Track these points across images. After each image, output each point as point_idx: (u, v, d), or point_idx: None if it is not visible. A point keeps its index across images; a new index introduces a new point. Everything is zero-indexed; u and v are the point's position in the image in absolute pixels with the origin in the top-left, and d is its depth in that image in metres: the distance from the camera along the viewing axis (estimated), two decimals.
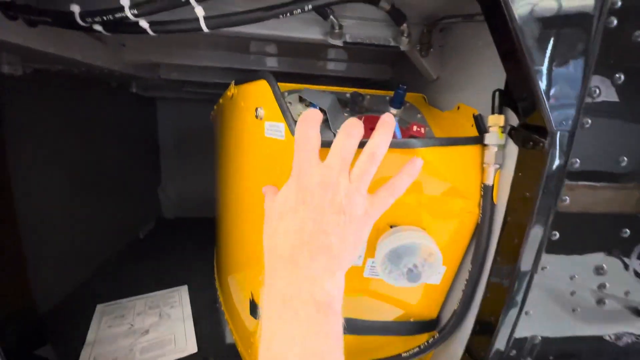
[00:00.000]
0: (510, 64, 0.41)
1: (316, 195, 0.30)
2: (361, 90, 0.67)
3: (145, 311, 0.77)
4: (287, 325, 0.26)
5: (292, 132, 0.44)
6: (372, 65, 0.93)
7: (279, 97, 0.45)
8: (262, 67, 0.88)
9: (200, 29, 0.44)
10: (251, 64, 0.88)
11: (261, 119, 0.49)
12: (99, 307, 0.79)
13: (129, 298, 0.83)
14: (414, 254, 0.45)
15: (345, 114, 0.61)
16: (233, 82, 0.63)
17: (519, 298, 0.44)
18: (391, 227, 0.51)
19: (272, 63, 0.89)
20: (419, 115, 0.65)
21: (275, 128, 0.48)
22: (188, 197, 1.63)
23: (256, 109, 0.52)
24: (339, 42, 0.59)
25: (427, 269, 0.46)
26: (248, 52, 0.87)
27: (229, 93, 0.65)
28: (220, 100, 0.76)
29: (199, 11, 0.43)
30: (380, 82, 0.95)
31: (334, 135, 0.55)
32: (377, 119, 0.67)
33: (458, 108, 0.60)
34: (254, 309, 0.59)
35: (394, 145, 0.43)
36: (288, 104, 0.59)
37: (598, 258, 0.44)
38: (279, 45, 0.80)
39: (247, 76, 0.53)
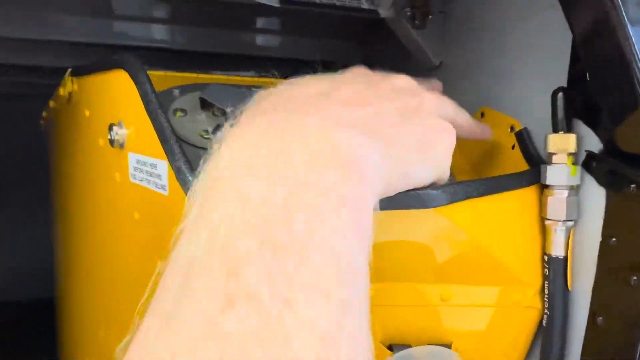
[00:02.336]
0: (591, 36, 0.38)
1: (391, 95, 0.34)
2: None
3: None
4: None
5: (184, 181, 0.31)
6: (330, 42, 0.87)
7: (154, 103, 0.38)
8: (142, 42, 0.78)
9: None
10: (122, 36, 0.77)
11: (121, 146, 0.42)
12: None
13: None
14: None
15: None
16: (69, 71, 0.53)
17: None
18: (392, 348, 0.41)
19: (160, 34, 0.80)
20: None
21: (149, 169, 0.36)
22: (13, 269, 1.45)
23: (110, 127, 0.40)
24: (274, 2, 0.56)
25: None
26: (117, 15, 0.77)
27: (62, 92, 0.56)
28: (51, 103, 0.60)
29: None
30: (345, 67, 0.87)
31: None
32: None
33: (482, 115, 0.54)
34: None
35: (397, 201, 0.35)
36: (178, 114, 0.50)
37: None
38: (173, 5, 0.73)
39: (103, 60, 0.47)
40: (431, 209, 0.36)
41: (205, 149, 0.47)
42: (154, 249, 0.38)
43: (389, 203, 0.35)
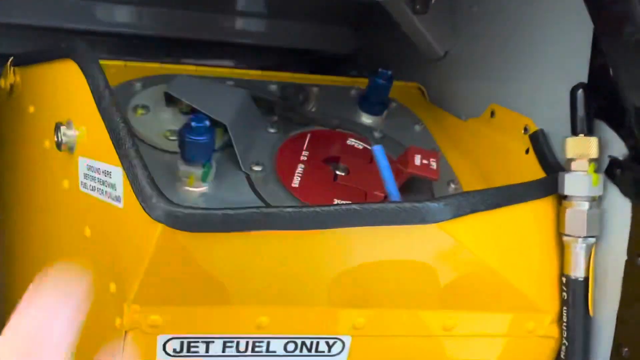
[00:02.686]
0: (614, 24, 0.36)
1: None
2: (298, 77, 0.57)
3: None
4: None
5: (141, 192, 0.29)
6: (319, 28, 0.83)
7: (108, 100, 0.35)
8: (104, 26, 0.74)
9: None
10: (81, 19, 0.73)
11: (70, 150, 0.39)
12: None
13: None
14: None
15: (271, 130, 0.47)
16: (11, 59, 0.50)
17: None
18: None
19: (124, 17, 0.75)
20: (417, 127, 0.57)
21: (102, 177, 0.33)
22: None
23: (57, 127, 0.39)
24: None
25: None
26: None
27: (3, 83, 0.52)
28: None
29: None
30: (335, 57, 0.84)
31: (246, 176, 0.42)
32: (333, 139, 0.52)
33: (492, 114, 0.51)
34: None
35: (393, 215, 0.32)
36: (139, 111, 0.47)
37: None
38: None
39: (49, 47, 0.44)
40: (433, 225, 0.33)
41: (170, 152, 0.44)
42: (108, 273, 0.35)
43: (385, 218, 0.32)
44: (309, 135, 0.49)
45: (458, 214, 0.33)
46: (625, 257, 0.38)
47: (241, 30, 0.80)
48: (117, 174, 0.33)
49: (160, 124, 0.45)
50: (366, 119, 0.53)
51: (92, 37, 0.71)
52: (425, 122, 0.56)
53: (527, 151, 0.45)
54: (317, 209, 0.31)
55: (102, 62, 0.50)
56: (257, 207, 0.31)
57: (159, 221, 0.29)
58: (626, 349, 0.38)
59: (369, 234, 0.32)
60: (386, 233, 0.33)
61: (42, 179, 0.44)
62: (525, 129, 0.46)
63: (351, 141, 0.50)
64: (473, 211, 0.34)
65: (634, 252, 0.37)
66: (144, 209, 0.30)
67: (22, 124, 0.48)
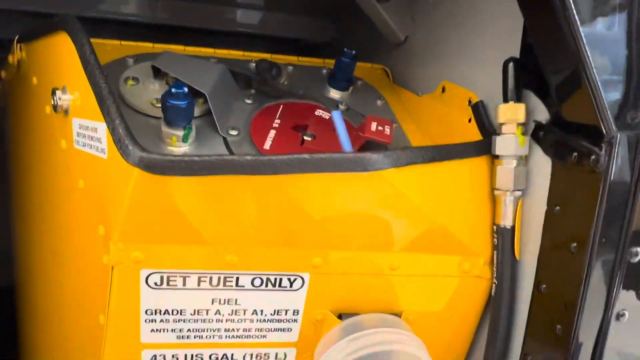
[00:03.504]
0: (537, 8, 0.38)
1: None
2: (276, 57, 0.60)
3: None
4: None
5: (123, 145, 0.31)
6: (303, 19, 0.87)
7: (93, 65, 0.38)
8: (114, 15, 0.76)
9: None
10: (84, 7, 0.75)
11: (66, 113, 0.42)
12: None
13: None
14: None
15: (248, 101, 0.50)
16: (17, 37, 0.52)
17: None
18: (341, 317, 0.41)
19: (129, 8, 0.77)
20: (379, 102, 0.60)
21: (91, 133, 0.36)
22: None
23: (53, 92, 0.40)
24: None
25: None
26: None
27: (11, 60, 0.55)
28: (3, 74, 0.59)
29: None
30: (316, 45, 0.88)
31: (224, 139, 0.46)
32: (304, 110, 0.54)
33: (443, 90, 0.55)
34: None
35: (339, 164, 0.35)
36: (129, 82, 0.50)
37: None
38: None
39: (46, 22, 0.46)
40: (375, 172, 0.36)
41: (156, 117, 0.48)
42: (98, 217, 0.39)
43: (332, 166, 0.36)
44: (281, 106, 0.52)
45: (397, 164, 0.37)
46: (545, 207, 0.42)
47: (236, 19, 0.82)
48: (102, 129, 0.36)
49: (148, 94, 0.48)
50: (334, 94, 0.57)
51: (95, 25, 0.72)
52: (387, 99, 0.59)
53: (469, 120, 0.49)
54: (272, 157, 0.34)
55: (99, 40, 0.53)
56: (220, 155, 0.35)
57: (135, 166, 0.32)
58: (544, 286, 0.42)
59: (318, 180, 0.35)
60: (334, 180, 0.36)
61: (45, 142, 0.47)
62: (469, 102, 0.50)
63: (319, 112, 0.53)
64: (410, 163, 0.37)
65: (552, 203, 0.41)
66: (122, 156, 0.33)
67: (27, 94, 0.50)
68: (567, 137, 0.39)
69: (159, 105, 0.46)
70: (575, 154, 0.38)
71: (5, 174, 0.84)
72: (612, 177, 0.36)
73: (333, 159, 0.34)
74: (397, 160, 0.37)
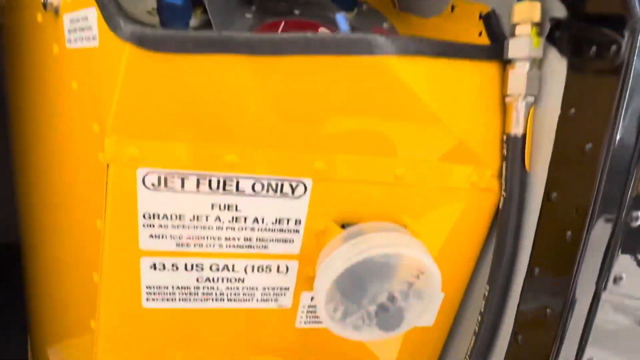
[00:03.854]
0: None
1: None
2: None
3: None
4: None
5: (114, 20, 0.29)
6: None
7: None
8: None
9: None
10: None
11: (56, 12, 0.40)
12: None
13: None
14: (388, 275, 0.38)
15: (248, 15, 0.48)
16: None
17: (575, 335, 0.39)
18: (344, 226, 0.40)
19: None
20: (385, 25, 0.57)
21: (81, 24, 0.34)
22: None
23: None
24: None
25: (415, 300, 0.40)
26: None
27: None
28: None
29: None
30: None
31: None
32: (306, 28, 0.52)
33: (452, 9, 0.52)
34: None
35: (343, 44, 0.33)
36: None
37: None
38: None
39: None
40: (380, 59, 0.34)
41: (151, 25, 0.45)
42: (92, 115, 0.37)
43: (335, 47, 0.33)
44: (283, 23, 0.50)
45: (404, 51, 0.34)
46: (558, 112, 0.40)
47: None
48: (92, 14, 0.34)
49: (144, 3, 0.45)
50: (338, 15, 0.55)
51: None
52: (394, 23, 0.57)
53: (480, 34, 0.46)
54: (273, 35, 0.32)
55: None
56: (218, 31, 0.32)
57: (126, 40, 0.30)
58: (555, 194, 0.40)
59: (320, 64, 0.33)
60: (337, 64, 0.33)
61: (37, 51, 0.45)
62: (480, 15, 0.47)
63: (322, 30, 0.51)
64: (418, 53, 0.35)
65: (566, 105, 0.39)
66: (113, 31, 0.31)
67: (20, 9, 0.48)
68: (586, 30, 0.37)
69: (156, 14, 0.44)
70: (594, 47, 0.36)
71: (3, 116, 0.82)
72: (634, 67, 0.34)
73: (337, 39, 0.32)
74: (405, 47, 0.34)
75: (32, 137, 0.54)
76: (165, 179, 0.37)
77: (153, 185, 0.37)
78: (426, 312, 0.41)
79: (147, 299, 0.42)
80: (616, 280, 0.39)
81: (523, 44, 0.40)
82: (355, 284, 0.38)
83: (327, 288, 0.38)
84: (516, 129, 0.41)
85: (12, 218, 0.89)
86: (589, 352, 0.40)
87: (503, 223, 0.43)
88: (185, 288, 0.42)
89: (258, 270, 0.43)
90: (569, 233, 0.39)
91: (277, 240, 0.42)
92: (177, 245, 0.40)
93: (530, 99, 0.41)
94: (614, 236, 0.38)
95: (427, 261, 0.38)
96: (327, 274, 0.38)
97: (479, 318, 0.46)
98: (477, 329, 0.47)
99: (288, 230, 0.41)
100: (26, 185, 0.61)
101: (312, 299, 0.46)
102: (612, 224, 0.37)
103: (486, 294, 0.45)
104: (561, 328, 0.40)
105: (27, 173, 0.58)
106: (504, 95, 0.41)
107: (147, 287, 0.41)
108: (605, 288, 0.39)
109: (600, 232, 0.37)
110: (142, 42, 0.31)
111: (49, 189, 0.49)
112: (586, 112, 0.38)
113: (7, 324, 0.95)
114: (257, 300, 0.44)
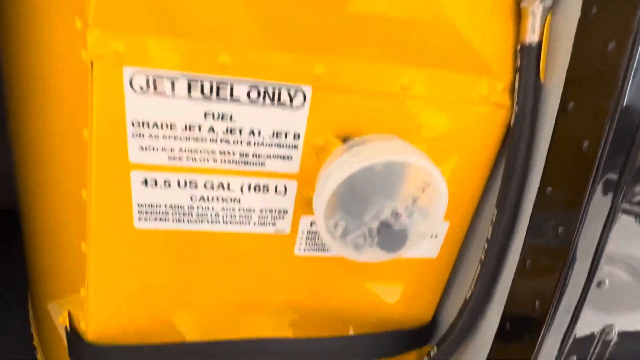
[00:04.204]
0: None
1: None
2: None
3: None
4: None
5: None
6: None
7: None
8: None
9: None
10: None
11: None
12: None
13: None
14: (390, 187, 0.36)
15: None
16: None
17: (586, 259, 0.37)
18: (345, 141, 0.37)
19: None
20: None
21: None
22: None
23: None
24: None
25: (419, 218, 0.37)
26: None
27: None
28: None
29: None
30: None
31: None
32: None
33: None
34: (73, 342, 0.45)
35: None
36: None
37: None
38: None
39: None
40: None
41: None
42: (74, 8, 0.34)
43: None
44: None
45: None
46: (578, 15, 0.37)
47: None
48: None
49: None
50: None
51: None
52: None
53: None
54: None
55: None
56: None
57: None
58: (572, 103, 0.37)
59: None
60: None
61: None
62: None
63: None
64: None
65: (587, 5, 0.36)
66: None
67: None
68: None
69: None
70: None
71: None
72: None
73: None
74: None
75: (15, 55, 0.50)
76: (155, 81, 0.34)
77: (141, 88, 0.34)
78: (431, 231, 0.39)
79: (139, 219, 0.40)
80: (633, 203, 0.36)
81: None
82: (356, 197, 0.36)
83: (327, 200, 0.35)
84: (531, 37, 0.38)
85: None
86: (602, 271, 0.38)
87: (514, 140, 0.40)
88: (178, 207, 0.40)
89: (255, 190, 0.40)
90: (585, 143, 0.36)
91: (275, 157, 0.39)
92: (169, 158, 0.38)
93: (548, 1, 0.37)
94: (634, 155, 0.35)
95: (433, 170, 0.35)
96: (326, 185, 0.35)
97: (485, 246, 0.44)
98: (483, 257, 0.44)
99: (286, 146, 0.39)
100: (16, 113, 0.58)
101: (311, 224, 0.44)
102: (630, 140, 0.35)
103: (494, 218, 0.43)
104: (572, 248, 0.38)
105: (15, 91, 0.55)
106: (518, 1, 0.38)
107: (138, 205, 0.39)
108: (618, 210, 0.36)
109: (621, 137, 0.34)
110: None
111: (35, 106, 0.46)
112: (609, 10, 0.34)
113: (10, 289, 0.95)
114: (254, 223, 0.42)
